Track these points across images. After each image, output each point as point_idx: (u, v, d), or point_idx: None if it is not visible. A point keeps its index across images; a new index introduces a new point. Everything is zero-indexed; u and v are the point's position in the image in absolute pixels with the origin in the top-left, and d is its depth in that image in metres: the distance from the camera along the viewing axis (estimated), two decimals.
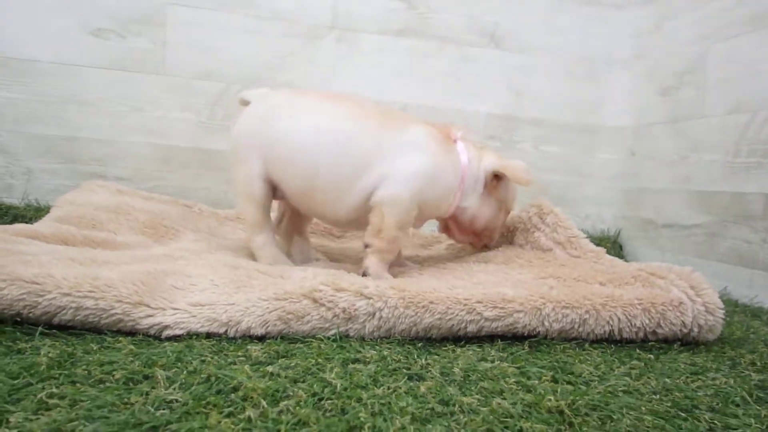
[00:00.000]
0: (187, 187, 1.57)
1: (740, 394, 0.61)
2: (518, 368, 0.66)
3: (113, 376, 0.54)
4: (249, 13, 1.57)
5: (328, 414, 0.50)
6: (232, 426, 0.46)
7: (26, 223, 1.20)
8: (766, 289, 1.20)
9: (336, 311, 0.73)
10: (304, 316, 0.73)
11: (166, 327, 0.68)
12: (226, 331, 0.70)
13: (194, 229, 1.29)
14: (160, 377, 0.54)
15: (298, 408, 0.50)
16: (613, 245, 1.67)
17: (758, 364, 0.75)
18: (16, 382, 0.51)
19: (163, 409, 0.48)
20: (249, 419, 0.47)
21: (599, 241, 1.68)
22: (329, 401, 0.52)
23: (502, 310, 0.77)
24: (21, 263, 0.70)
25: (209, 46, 1.56)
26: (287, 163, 0.99)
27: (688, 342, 0.83)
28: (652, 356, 0.75)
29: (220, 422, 0.46)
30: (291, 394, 0.53)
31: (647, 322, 0.80)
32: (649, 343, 0.81)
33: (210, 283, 0.79)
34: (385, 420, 0.49)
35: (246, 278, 0.82)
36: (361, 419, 0.49)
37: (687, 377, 0.67)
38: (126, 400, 0.49)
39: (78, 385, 0.51)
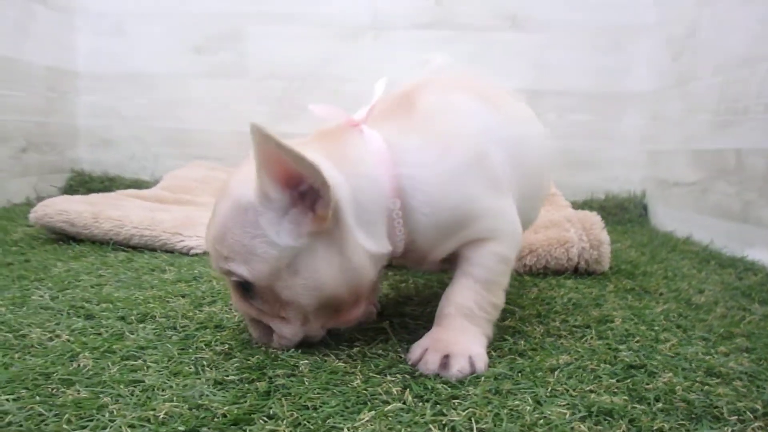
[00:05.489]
0: None
1: (583, 303, 0.81)
2: None
3: (143, 267, 0.94)
4: (305, 23, 1.94)
5: None
6: (185, 287, 0.82)
7: None
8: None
9: None
10: None
11: (191, 248, 1.08)
12: None
13: None
14: (169, 269, 0.93)
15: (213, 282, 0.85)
16: (636, 206, 1.75)
17: (625, 288, 0.91)
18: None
19: (156, 280, 0.86)
20: (198, 288, 0.83)
21: (624, 202, 1.78)
22: None
23: None
24: (114, 208, 1.15)
25: (276, 53, 1.96)
26: None
27: (582, 272, 1.01)
28: (545, 283, 0.94)
29: (176, 284, 0.83)
30: None
31: (535, 259, 1.00)
32: (548, 276, 1.01)
33: None
34: None
35: None
36: None
37: (552, 291, 0.88)
38: (145, 280, 0.88)
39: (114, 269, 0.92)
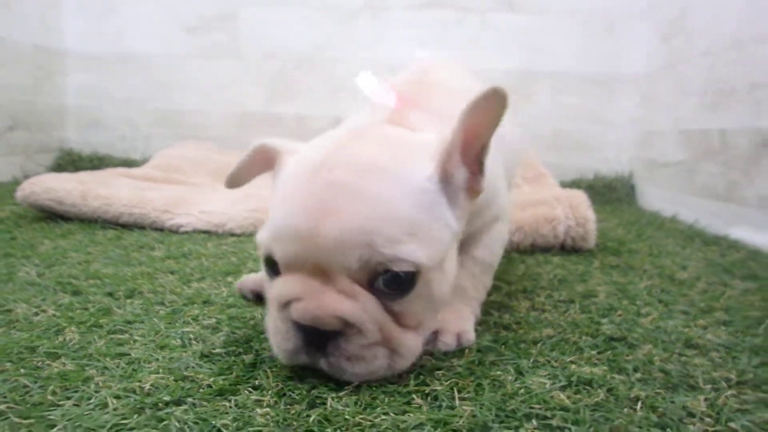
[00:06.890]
0: None
1: (569, 279, 0.82)
2: None
3: (132, 244, 0.94)
4: (299, 3, 1.91)
5: (222, 257, 0.84)
6: (174, 264, 0.82)
7: None
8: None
9: None
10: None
11: (181, 225, 1.08)
12: (217, 230, 1.07)
13: None
14: (158, 246, 0.93)
15: (203, 259, 0.85)
16: (624, 186, 1.76)
17: (610, 264, 0.92)
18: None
19: (145, 257, 0.86)
20: (187, 265, 0.83)
21: (613, 182, 1.79)
22: (228, 251, 0.87)
23: None
24: (103, 186, 1.14)
25: (270, 34, 1.94)
26: None
27: (569, 249, 1.02)
28: (533, 260, 0.96)
29: (165, 261, 0.83)
30: (220, 254, 0.89)
31: (522, 237, 1.01)
32: (535, 253, 1.02)
33: (219, 201, 1.17)
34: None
35: (244, 198, 1.18)
36: (234, 261, 0.82)
37: (539, 267, 0.89)
38: (133, 257, 0.88)
39: (107, 246, 0.92)
